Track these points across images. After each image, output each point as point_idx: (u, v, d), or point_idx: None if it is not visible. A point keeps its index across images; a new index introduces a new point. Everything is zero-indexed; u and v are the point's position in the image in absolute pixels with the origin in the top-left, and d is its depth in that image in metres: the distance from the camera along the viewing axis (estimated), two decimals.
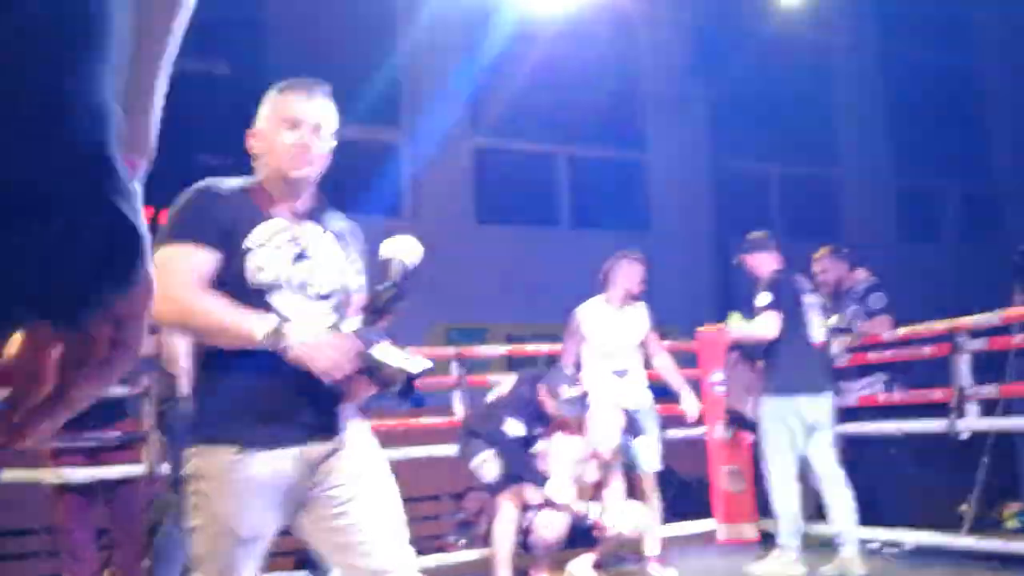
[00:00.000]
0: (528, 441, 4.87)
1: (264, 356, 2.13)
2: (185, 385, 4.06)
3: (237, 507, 2.12)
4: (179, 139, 8.30)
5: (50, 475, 4.78)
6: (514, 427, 4.80)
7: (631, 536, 5.06)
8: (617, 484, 5.10)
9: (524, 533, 4.86)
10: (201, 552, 2.16)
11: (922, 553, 5.31)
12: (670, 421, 6.33)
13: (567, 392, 4.80)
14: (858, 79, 12.50)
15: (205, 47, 8.46)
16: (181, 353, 4.03)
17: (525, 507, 4.85)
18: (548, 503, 4.85)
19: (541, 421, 4.90)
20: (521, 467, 4.78)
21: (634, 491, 5.33)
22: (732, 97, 11.15)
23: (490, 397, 5.15)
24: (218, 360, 2.20)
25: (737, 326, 5.20)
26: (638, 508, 5.05)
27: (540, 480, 4.76)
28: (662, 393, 5.62)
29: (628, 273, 5.40)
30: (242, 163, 9.13)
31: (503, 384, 5.14)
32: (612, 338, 5.40)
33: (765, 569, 4.94)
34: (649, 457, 5.29)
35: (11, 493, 5.35)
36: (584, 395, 4.86)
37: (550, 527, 4.78)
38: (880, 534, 5.54)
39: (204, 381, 2.26)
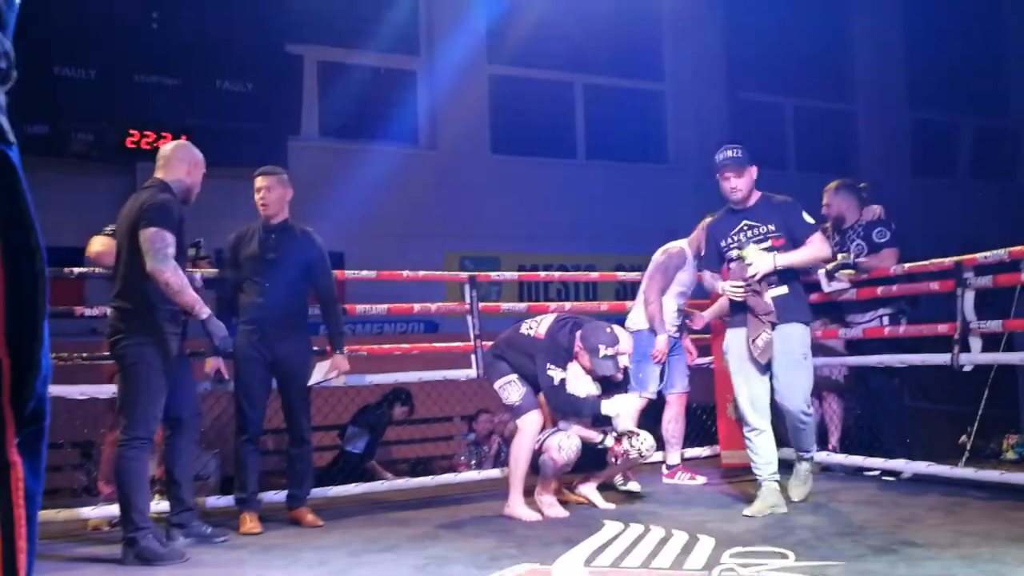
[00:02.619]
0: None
1: None
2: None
3: None
4: (201, 65, 8.37)
5: (77, 392, 4.96)
6: (557, 374, 4.93)
7: (644, 459, 5.23)
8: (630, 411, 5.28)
9: (535, 454, 5.01)
10: None
11: (920, 482, 5.45)
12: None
13: (604, 352, 4.91)
14: (876, 11, 12.33)
15: None
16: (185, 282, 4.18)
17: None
18: (560, 428, 5.01)
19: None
20: (572, 406, 4.95)
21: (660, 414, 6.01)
22: (748, 28, 11.04)
23: (524, 329, 5.22)
24: None
25: (760, 255, 4.80)
26: (647, 433, 5.20)
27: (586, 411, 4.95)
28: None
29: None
30: (262, 89, 9.22)
31: (541, 322, 5.20)
32: (691, 279, 5.91)
33: (800, 493, 5.06)
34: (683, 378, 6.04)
35: None
36: (618, 355, 4.97)
37: (562, 449, 4.93)
38: (880, 463, 5.68)
39: None
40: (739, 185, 4.88)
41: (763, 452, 4.88)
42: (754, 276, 4.76)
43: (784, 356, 4.80)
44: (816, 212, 6.10)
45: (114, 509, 4.46)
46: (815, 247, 4.88)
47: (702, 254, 5.51)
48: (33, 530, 1.01)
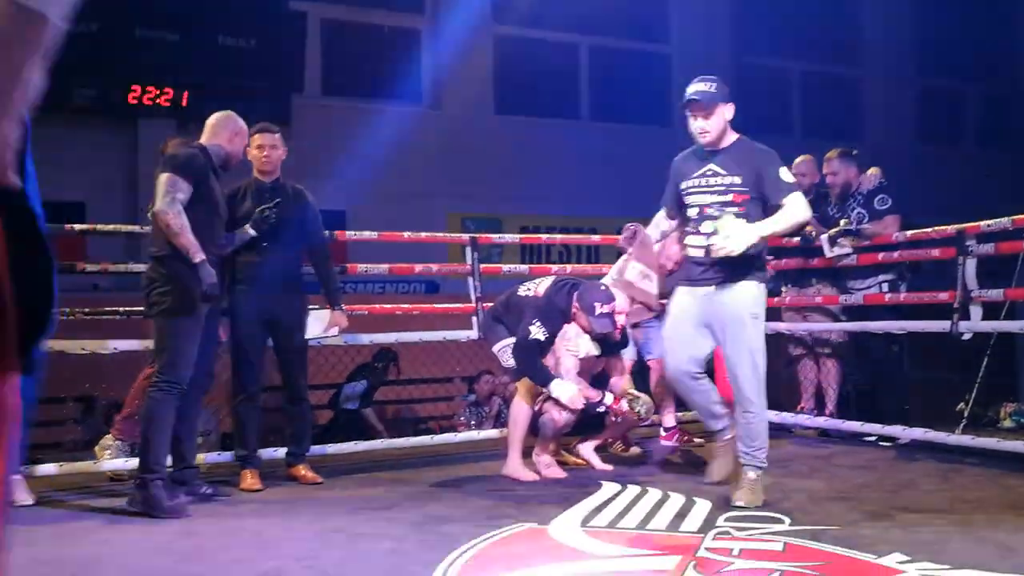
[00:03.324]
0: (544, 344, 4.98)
1: None
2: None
3: None
4: (203, 20, 8.32)
5: (78, 347, 4.98)
6: (537, 332, 4.92)
7: (643, 421, 5.25)
8: (625, 373, 5.29)
9: (535, 415, 5.03)
10: None
11: (917, 448, 5.47)
12: None
13: (600, 309, 4.91)
14: None
15: None
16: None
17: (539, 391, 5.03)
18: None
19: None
20: (530, 367, 4.92)
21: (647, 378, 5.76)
22: None
23: (522, 291, 5.22)
24: None
25: (736, 231, 3.96)
26: (647, 396, 5.22)
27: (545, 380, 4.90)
28: None
29: None
30: (265, 46, 9.15)
31: (540, 284, 5.21)
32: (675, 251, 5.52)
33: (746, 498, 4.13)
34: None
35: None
36: (614, 312, 4.96)
37: (563, 410, 4.94)
38: (877, 429, 5.70)
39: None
40: (707, 127, 4.11)
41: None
42: (729, 252, 3.95)
43: (731, 318, 4.15)
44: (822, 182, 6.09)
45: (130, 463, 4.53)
46: (792, 210, 4.06)
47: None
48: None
